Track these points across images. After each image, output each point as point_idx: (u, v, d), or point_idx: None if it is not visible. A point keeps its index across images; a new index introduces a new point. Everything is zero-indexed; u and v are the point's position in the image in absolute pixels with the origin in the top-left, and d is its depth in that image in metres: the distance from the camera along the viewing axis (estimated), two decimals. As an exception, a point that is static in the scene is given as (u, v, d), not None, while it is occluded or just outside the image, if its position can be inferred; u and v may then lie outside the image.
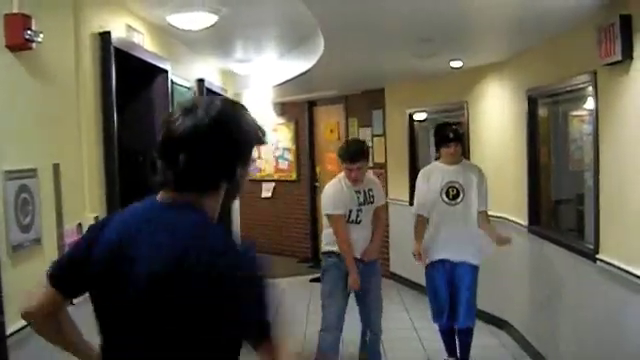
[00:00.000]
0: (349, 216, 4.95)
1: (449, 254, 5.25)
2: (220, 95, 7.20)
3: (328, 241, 5.06)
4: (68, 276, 1.88)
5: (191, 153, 1.73)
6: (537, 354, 5.50)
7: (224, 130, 1.76)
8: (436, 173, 5.36)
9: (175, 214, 1.77)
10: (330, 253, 5.03)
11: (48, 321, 1.97)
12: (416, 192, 5.54)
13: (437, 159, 5.59)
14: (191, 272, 1.67)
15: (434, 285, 5.38)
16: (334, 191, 4.99)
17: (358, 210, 4.97)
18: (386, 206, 5.72)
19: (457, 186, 5.26)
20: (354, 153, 4.92)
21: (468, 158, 6.74)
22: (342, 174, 5.04)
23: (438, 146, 5.41)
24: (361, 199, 4.99)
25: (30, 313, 1.95)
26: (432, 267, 5.36)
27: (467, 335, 5.33)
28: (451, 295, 5.28)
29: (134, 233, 1.77)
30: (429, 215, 5.34)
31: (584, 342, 4.56)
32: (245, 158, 1.84)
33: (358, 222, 4.98)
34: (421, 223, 5.37)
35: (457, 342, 5.38)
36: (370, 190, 5.05)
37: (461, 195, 5.26)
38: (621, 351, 3.94)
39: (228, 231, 1.85)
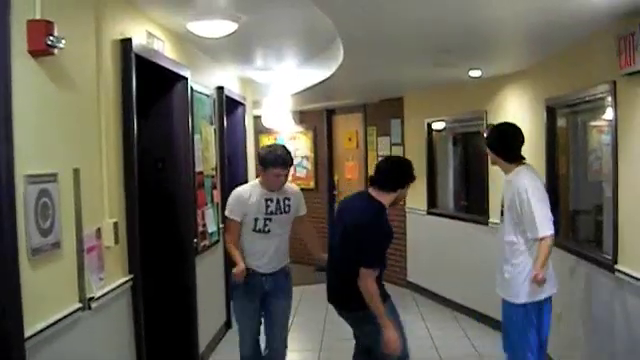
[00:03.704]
0: (255, 225, 4.67)
1: (497, 283, 4.60)
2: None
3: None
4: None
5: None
6: (554, 365, 5.45)
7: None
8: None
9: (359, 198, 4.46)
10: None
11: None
12: None
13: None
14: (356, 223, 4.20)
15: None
16: (237, 196, 4.69)
17: (266, 219, 4.64)
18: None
19: (503, 202, 4.56)
20: (288, 157, 4.60)
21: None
22: (257, 180, 4.76)
23: None
24: (272, 208, 4.65)
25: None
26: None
27: None
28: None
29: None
30: None
31: (601, 352, 4.52)
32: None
33: (266, 232, 4.67)
34: None
35: None
36: (287, 199, 4.71)
37: (505, 213, 4.52)
38: (639, 363, 3.91)
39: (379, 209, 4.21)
